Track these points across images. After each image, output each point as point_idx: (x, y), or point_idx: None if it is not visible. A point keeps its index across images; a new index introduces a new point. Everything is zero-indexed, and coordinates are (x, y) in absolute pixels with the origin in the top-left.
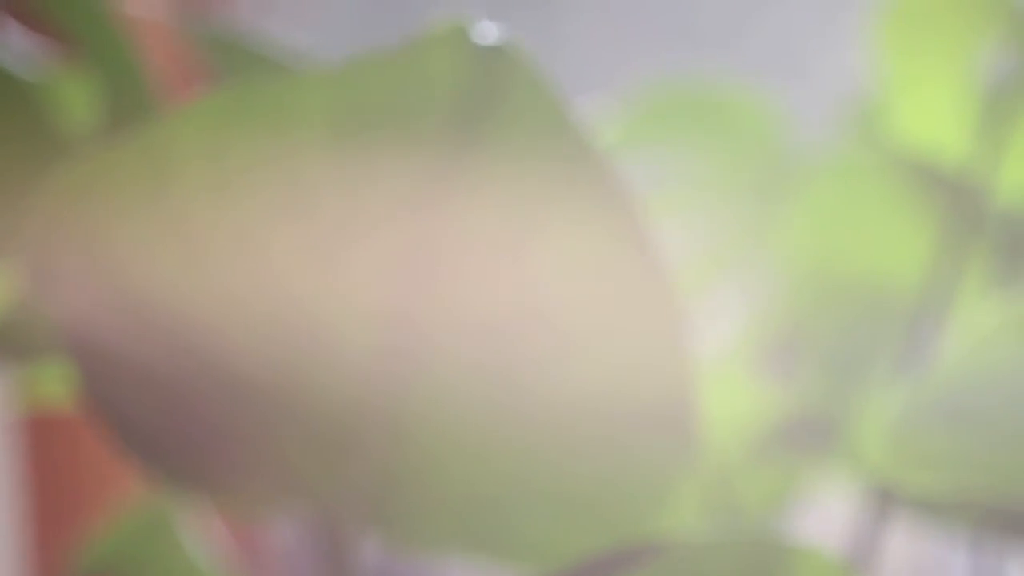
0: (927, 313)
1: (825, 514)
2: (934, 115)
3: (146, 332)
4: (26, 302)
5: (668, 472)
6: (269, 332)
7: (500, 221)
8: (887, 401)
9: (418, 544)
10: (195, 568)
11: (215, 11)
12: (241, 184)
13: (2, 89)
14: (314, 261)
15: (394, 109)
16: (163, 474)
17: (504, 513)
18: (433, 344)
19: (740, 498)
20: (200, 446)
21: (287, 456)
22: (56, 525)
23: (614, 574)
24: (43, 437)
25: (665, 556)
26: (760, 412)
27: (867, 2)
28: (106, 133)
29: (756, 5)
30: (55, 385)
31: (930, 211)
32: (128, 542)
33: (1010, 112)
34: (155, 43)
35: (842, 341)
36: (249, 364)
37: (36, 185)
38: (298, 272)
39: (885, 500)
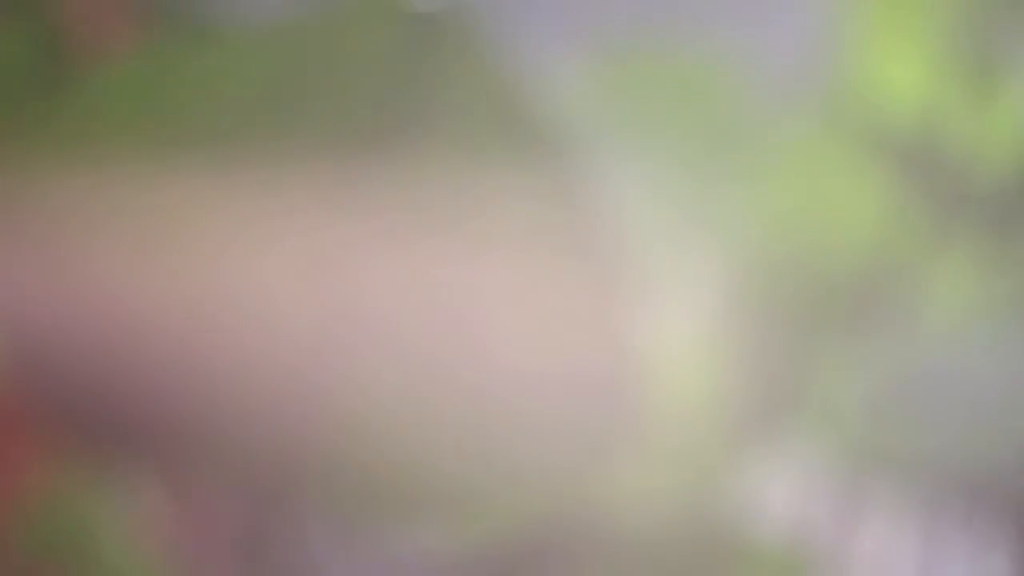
0: (897, 288)
1: (786, 491)
2: (906, 81)
3: (74, 312)
4: None
5: (607, 441)
6: (190, 321)
7: (434, 200)
8: (854, 381)
9: (361, 515)
10: (124, 556)
11: None
12: (164, 161)
13: None
14: (233, 253)
15: (324, 78)
16: (102, 452)
17: (446, 482)
18: (363, 330)
19: (701, 474)
20: (134, 429)
21: (215, 447)
22: None
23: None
24: None
25: (614, 553)
26: (722, 387)
27: None
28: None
29: None
30: None
31: (903, 186)
32: (66, 525)
33: (992, 79)
34: None
35: (806, 317)
36: (173, 352)
37: None
38: (217, 263)
39: (850, 480)
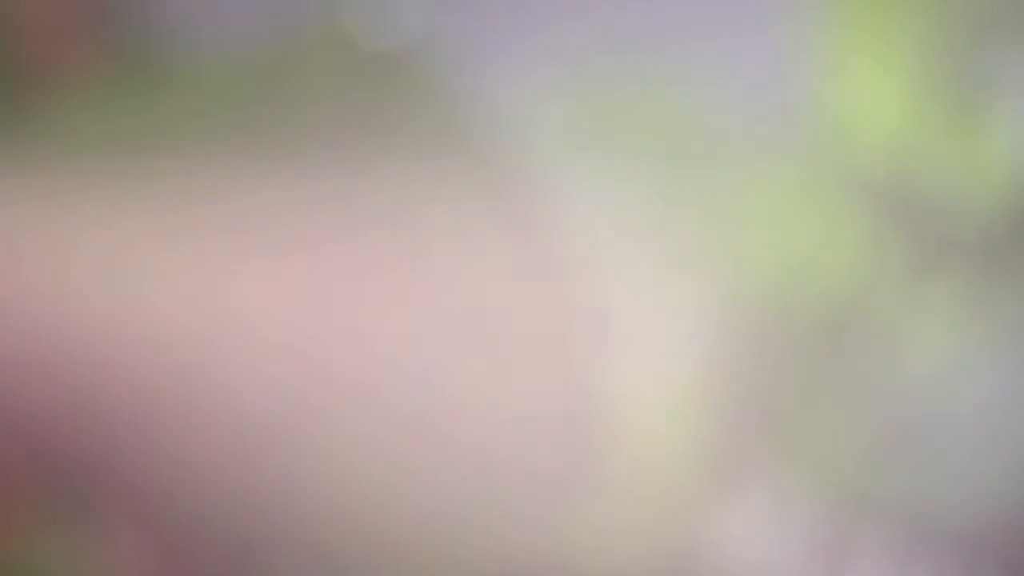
0: (877, 328)
1: (761, 536)
2: (883, 113)
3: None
4: None
5: (572, 483)
6: (156, 356)
7: (393, 242)
8: (834, 424)
9: (332, 560)
10: None
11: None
12: (123, 188)
13: None
14: (199, 282)
15: (279, 109)
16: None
17: (413, 528)
18: (326, 369)
19: (673, 518)
20: (109, 474)
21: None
22: None
23: None
24: None
25: None
26: (695, 429)
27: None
28: None
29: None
30: None
31: (880, 223)
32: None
33: (974, 111)
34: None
35: (782, 357)
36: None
37: None
38: (183, 293)
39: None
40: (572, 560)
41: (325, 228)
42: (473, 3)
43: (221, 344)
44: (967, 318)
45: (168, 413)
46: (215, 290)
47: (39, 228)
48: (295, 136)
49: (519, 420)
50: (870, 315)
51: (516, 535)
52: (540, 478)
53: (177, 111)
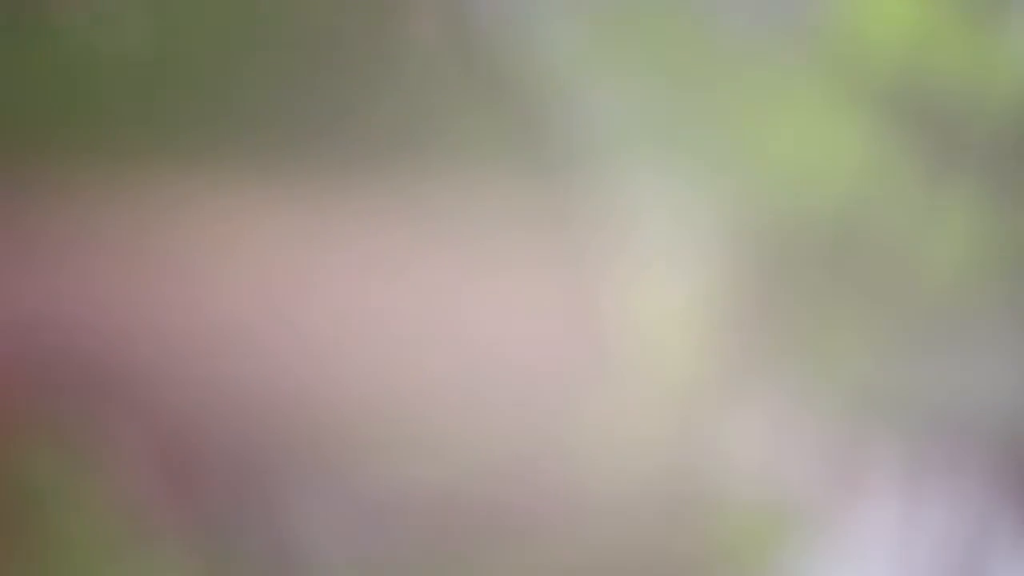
0: (889, 237)
1: (770, 444)
2: (896, 15)
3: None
4: None
5: (581, 388)
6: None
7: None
8: (846, 332)
9: (335, 457)
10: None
11: None
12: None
13: None
14: (182, 275)
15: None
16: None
17: (419, 423)
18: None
19: (681, 426)
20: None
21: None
22: None
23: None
24: None
25: (588, 506)
26: (705, 336)
27: None
28: None
29: None
30: None
31: (893, 128)
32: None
33: (990, 13)
34: None
35: (793, 265)
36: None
37: None
38: (167, 287)
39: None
40: (580, 464)
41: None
42: None
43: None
44: (981, 223)
45: (167, 331)
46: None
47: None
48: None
49: (532, 322)
50: (884, 221)
51: (526, 438)
52: (551, 381)
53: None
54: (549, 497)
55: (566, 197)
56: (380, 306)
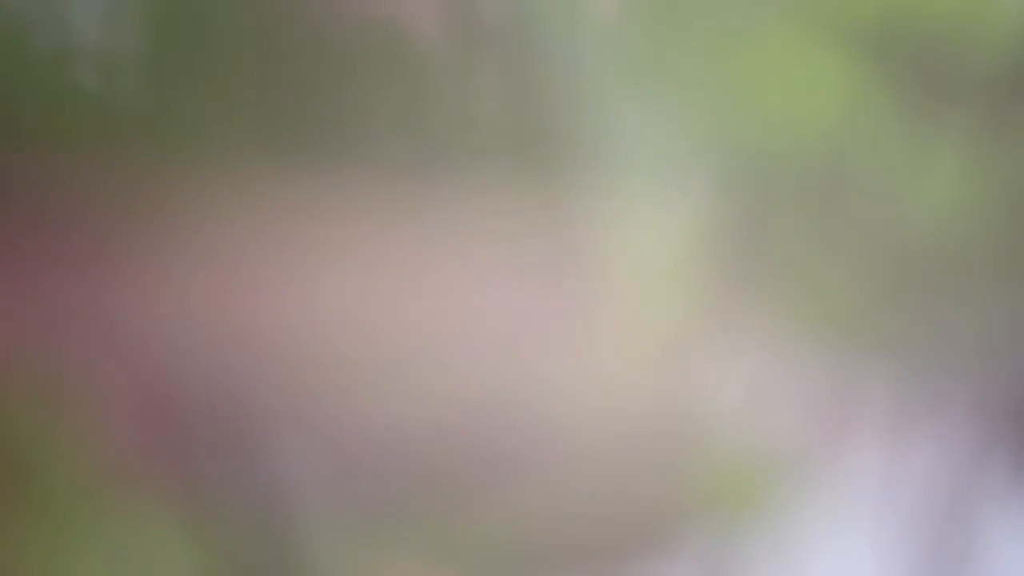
0: (878, 174)
1: (755, 386)
2: None
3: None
4: None
5: (561, 329)
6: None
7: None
8: (833, 268)
9: (321, 392)
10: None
11: None
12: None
13: None
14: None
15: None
16: None
17: (404, 360)
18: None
19: (664, 366)
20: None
21: None
22: None
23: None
24: None
25: (568, 448)
26: (690, 273)
27: None
28: None
29: None
30: None
31: (880, 64)
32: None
33: None
34: None
35: (778, 200)
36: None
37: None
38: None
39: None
40: (565, 406)
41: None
42: None
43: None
44: (972, 162)
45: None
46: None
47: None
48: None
49: (518, 264)
50: (871, 161)
51: (511, 380)
52: (537, 322)
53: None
54: (534, 438)
55: (547, 133)
56: (367, 255)
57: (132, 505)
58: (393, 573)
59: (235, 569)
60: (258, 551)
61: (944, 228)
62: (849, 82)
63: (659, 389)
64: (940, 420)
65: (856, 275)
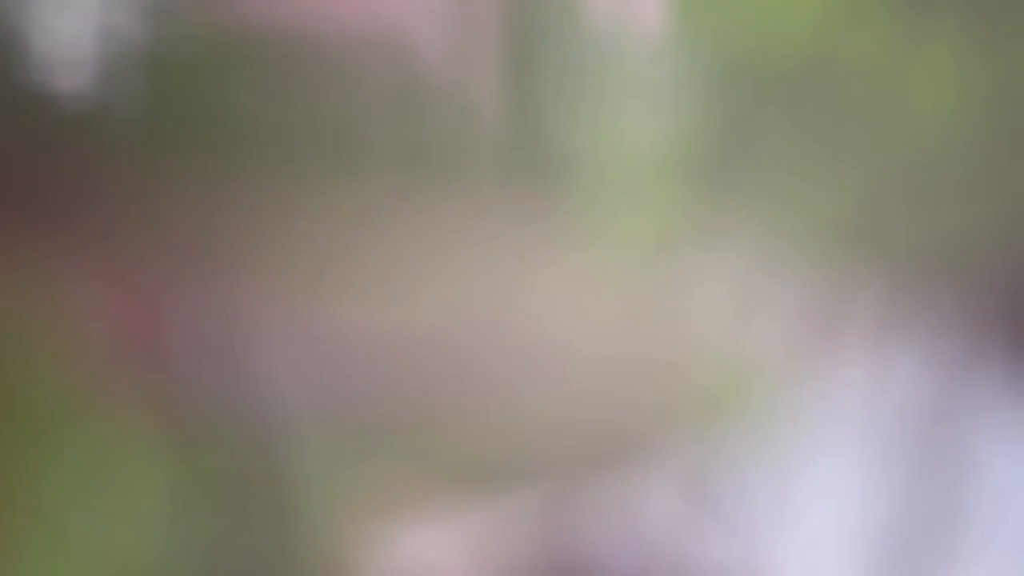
0: (877, 74)
1: (738, 294)
2: None
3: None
4: None
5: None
6: None
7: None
8: (824, 170)
9: (309, 294)
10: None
11: None
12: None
13: None
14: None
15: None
16: None
17: (387, 263)
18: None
19: (645, 277)
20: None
21: None
22: None
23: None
24: None
25: (548, 364)
26: (674, 177)
27: None
28: None
29: None
30: None
31: None
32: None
33: None
34: None
35: (762, 98)
36: None
37: None
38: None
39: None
40: (548, 315)
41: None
42: None
43: None
44: (964, 62)
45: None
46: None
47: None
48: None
49: (498, 183)
50: (864, 60)
51: (494, 286)
52: (520, 228)
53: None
54: (517, 347)
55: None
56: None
57: (117, 419)
58: (378, 486)
59: (219, 483)
60: (243, 464)
61: (935, 129)
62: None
63: (643, 297)
64: (930, 326)
65: (845, 179)
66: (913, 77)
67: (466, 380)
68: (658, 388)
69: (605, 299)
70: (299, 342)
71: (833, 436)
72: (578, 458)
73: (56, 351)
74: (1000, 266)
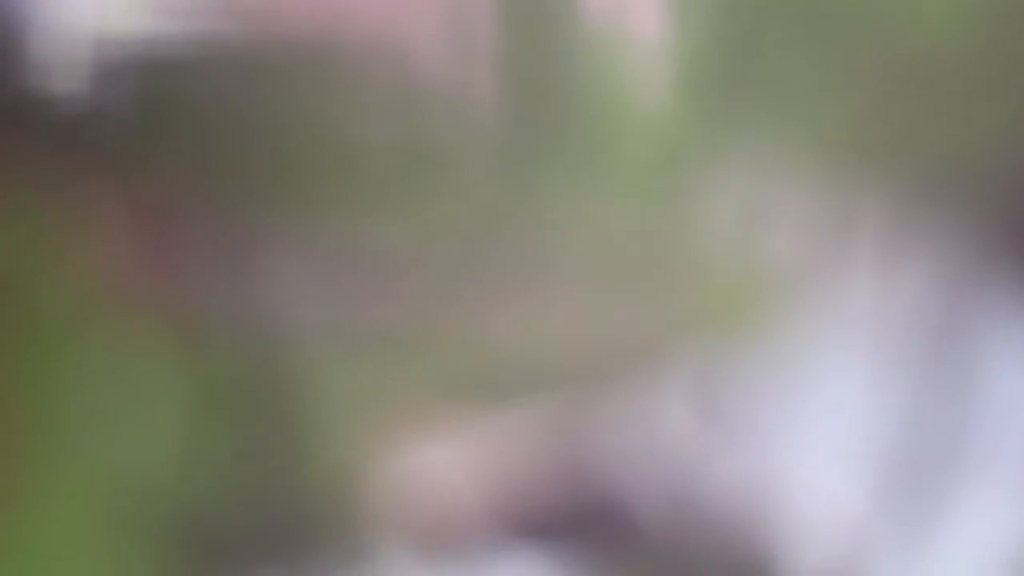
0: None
1: (747, 204)
2: None
3: None
4: None
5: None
6: None
7: None
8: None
9: (311, 209)
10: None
11: None
12: None
13: None
14: None
15: None
16: None
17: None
18: None
19: (653, 184)
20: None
21: None
22: None
23: None
24: None
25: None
26: (679, 90)
27: None
28: None
29: None
30: None
31: None
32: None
33: None
34: None
35: (779, 18)
36: None
37: None
38: None
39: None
40: (555, 225)
41: None
42: None
43: None
44: None
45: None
46: None
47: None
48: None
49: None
50: None
51: (501, 194)
52: (526, 134)
53: None
54: (526, 260)
55: None
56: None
57: (129, 331)
58: (389, 398)
59: (231, 395)
60: (255, 377)
61: (946, 40)
62: None
63: (653, 209)
64: (939, 240)
65: (854, 92)
66: None
67: (476, 293)
68: (668, 301)
69: (614, 212)
70: (308, 254)
71: (841, 348)
72: (588, 371)
73: (67, 263)
74: (1010, 179)
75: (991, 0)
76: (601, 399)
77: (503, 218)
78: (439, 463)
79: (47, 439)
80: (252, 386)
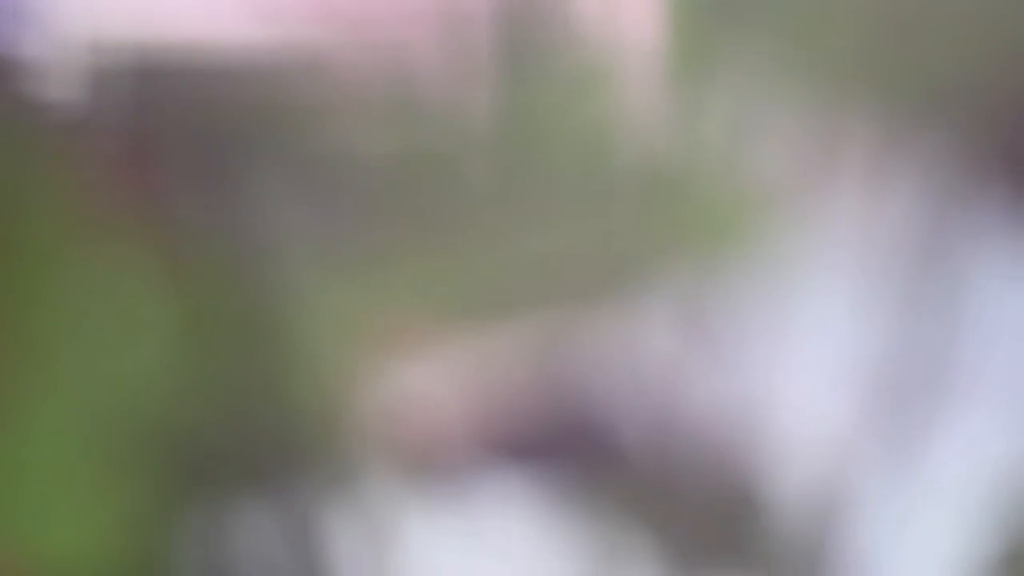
0: None
1: (736, 122)
2: None
3: None
4: None
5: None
6: None
7: None
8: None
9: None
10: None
11: None
12: None
13: None
14: None
15: None
16: None
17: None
18: None
19: (641, 100)
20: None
21: None
22: None
23: None
24: None
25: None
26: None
27: None
28: None
29: None
30: None
31: None
32: None
33: None
34: None
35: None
36: None
37: None
38: None
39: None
40: (545, 145)
41: None
42: None
43: None
44: None
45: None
46: None
47: None
48: None
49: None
50: None
51: (491, 107)
52: (519, 46)
53: None
54: (511, 178)
55: None
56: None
57: (111, 252)
58: (374, 318)
59: (215, 316)
60: (239, 297)
61: None
62: None
63: (640, 128)
64: (925, 161)
65: (842, 14)
66: None
67: (461, 213)
68: (655, 221)
69: (602, 131)
70: (293, 175)
71: (828, 269)
72: (573, 291)
73: (53, 186)
74: (1000, 100)
75: None
76: (586, 319)
77: (487, 137)
78: (424, 383)
79: (34, 363)
80: (237, 307)
